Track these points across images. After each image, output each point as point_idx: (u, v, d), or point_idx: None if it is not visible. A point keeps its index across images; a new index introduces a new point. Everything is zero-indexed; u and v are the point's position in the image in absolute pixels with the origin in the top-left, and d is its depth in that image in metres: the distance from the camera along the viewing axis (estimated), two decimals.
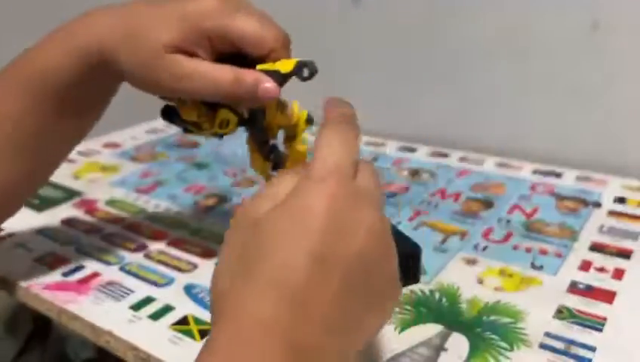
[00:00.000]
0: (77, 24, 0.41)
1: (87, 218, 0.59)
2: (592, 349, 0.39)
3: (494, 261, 0.50)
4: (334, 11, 0.82)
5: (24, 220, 0.58)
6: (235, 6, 0.39)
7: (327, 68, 0.44)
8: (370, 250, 0.29)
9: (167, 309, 0.44)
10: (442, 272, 0.48)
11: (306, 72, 0.38)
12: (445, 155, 0.74)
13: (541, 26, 0.70)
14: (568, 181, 0.66)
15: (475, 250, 0.51)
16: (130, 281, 0.48)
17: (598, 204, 0.60)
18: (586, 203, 0.60)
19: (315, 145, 0.31)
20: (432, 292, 0.45)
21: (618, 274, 0.47)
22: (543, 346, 0.39)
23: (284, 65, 0.38)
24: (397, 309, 0.43)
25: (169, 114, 0.43)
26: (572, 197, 0.61)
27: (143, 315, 0.44)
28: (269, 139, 0.44)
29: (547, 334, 0.40)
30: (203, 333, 0.42)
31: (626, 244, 0.52)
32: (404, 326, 0.42)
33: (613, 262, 0.49)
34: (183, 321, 0.43)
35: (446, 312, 0.43)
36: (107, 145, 0.81)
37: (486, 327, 0.41)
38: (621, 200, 0.61)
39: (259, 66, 0.39)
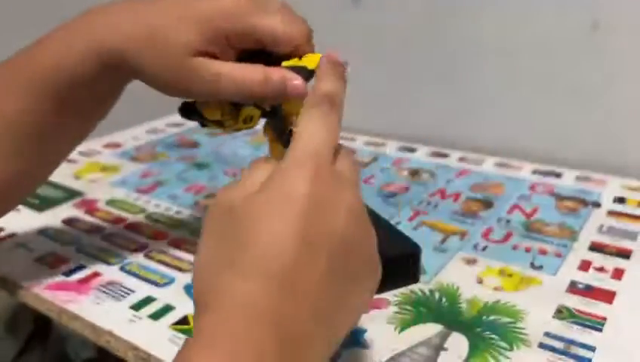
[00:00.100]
0: (83, 23, 0.40)
1: (88, 218, 0.59)
2: (592, 349, 0.39)
3: (494, 261, 0.50)
4: (334, 11, 0.82)
5: (25, 220, 0.58)
6: (255, 2, 0.38)
7: None
8: (352, 231, 0.29)
9: (167, 309, 0.45)
10: (442, 272, 0.48)
11: None
12: (445, 155, 0.74)
13: (541, 26, 0.70)
14: (568, 181, 0.66)
15: (474, 250, 0.51)
16: (130, 281, 0.48)
17: (597, 204, 0.60)
18: (585, 203, 0.60)
19: (296, 128, 0.31)
20: (431, 292, 0.45)
21: (618, 274, 0.47)
22: (542, 346, 0.39)
23: (311, 61, 0.38)
24: (396, 310, 0.43)
25: (188, 111, 0.42)
26: (572, 197, 0.62)
27: (144, 315, 0.44)
28: (288, 127, 0.43)
29: (547, 334, 0.40)
30: None
31: (625, 244, 0.52)
32: (404, 325, 0.42)
33: (612, 262, 0.49)
34: (184, 321, 0.43)
35: (446, 312, 0.43)
36: (108, 145, 0.81)
37: (486, 327, 0.41)
38: (621, 200, 0.61)
39: (284, 63, 0.38)
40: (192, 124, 0.82)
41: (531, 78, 0.73)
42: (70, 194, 0.65)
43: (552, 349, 0.39)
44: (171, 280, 0.48)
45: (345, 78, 0.35)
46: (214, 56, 0.38)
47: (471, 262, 0.50)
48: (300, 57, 0.38)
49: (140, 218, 0.59)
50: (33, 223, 0.58)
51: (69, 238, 0.55)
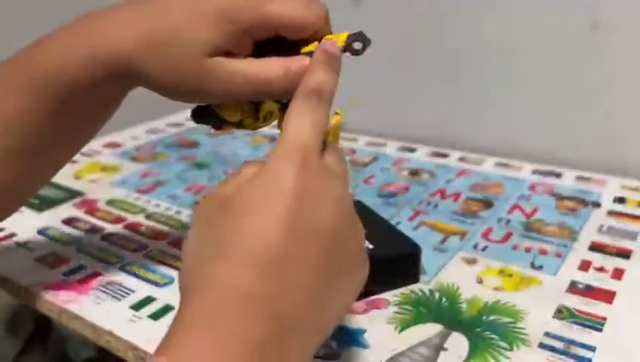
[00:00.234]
0: (85, 26, 0.38)
1: (88, 218, 0.59)
2: (592, 349, 0.39)
3: (494, 261, 0.50)
4: (334, 11, 0.82)
5: (25, 220, 0.58)
6: None
7: None
8: (340, 220, 0.29)
9: (167, 309, 0.44)
10: (442, 272, 0.48)
11: (357, 45, 0.35)
12: (445, 155, 0.74)
13: (541, 26, 0.70)
14: (568, 181, 0.66)
15: (474, 250, 0.51)
16: (130, 281, 0.48)
17: (597, 204, 0.60)
18: (585, 203, 0.60)
19: (284, 121, 0.31)
20: (431, 292, 0.45)
21: (618, 273, 0.47)
22: (542, 346, 0.39)
23: None
24: (396, 310, 0.43)
25: (202, 115, 0.39)
26: (572, 197, 0.62)
27: (144, 315, 0.44)
28: None
29: (547, 334, 0.40)
30: None
31: (625, 244, 0.52)
32: (404, 325, 0.42)
33: (612, 262, 0.49)
34: None
35: (446, 312, 0.43)
36: (108, 145, 0.81)
37: (486, 327, 0.41)
38: (621, 200, 0.61)
39: (304, 50, 0.35)
40: (192, 124, 0.82)
41: (531, 78, 0.73)
42: (70, 194, 0.65)
43: (552, 349, 0.39)
44: (171, 280, 0.48)
45: (338, 71, 0.34)
46: (231, 54, 0.35)
47: (471, 262, 0.50)
48: (320, 40, 0.35)
49: (139, 218, 0.59)
50: (33, 223, 0.58)
51: (69, 238, 0.55)
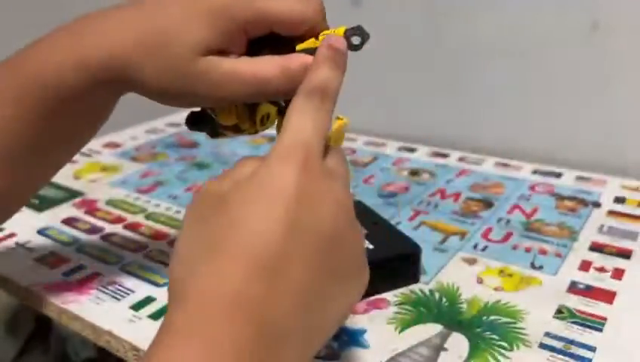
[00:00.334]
0: (79, 30, 0.36)
1: (88, 218, 0.59)
2: (592, 349, 0.39)
3: (494, 261, 0.50)
4: (334, 12, 0.82)
5: (24, 220, 0.58)
6: None
7: None
8: (340, 223, 0.28)
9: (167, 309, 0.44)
10: (442, 272, 0.48)
11: (356, 40, 0.34)
12: (445, 155, 0.74)
13: (541, 26, 0.70)
14: (568, 181, 0.66)
15: (474, 250, 0.51)
16: (130, 281, 0.48)
17: (597, 204, 0.60)
18: (585, 203, 0.60)
19: (285, 119, 0.30)
20: (431, 292, 0.45)
21: (618, 274, 0.47)
22: (542, 346, 0.39)
23: None
24: (396, 310, 0.43)
25: (197, 121, 0.38)
26: (572, 197, 0.62)
27: (143, 315, 0.44)
28: None
29: (547, 334, 0.40)
30: None
31: (625, 244, 0.52)
32: (404, 326, 0.42)
33: (612, 262, 0.49)
34: None
35: (446, 312, 0.43)
36: (107, 145, 0.81)
37: (486, 327, 0.41)
38: (621, 200, 0.61)
39: (299, 47, 0.34)
40: None
41: (531, 78, 0.73)
42: (70, 194, 0.65)
43: (553, 349, 0.39)
44: None
45: (343, 68, 0.33)
46: (225, 53, 0.34)
47: (471, 262, 0.50)
48: (317, 36, 0.34)
49: (139, 218, 0.59)
50: (33, 223, 0.58)
51: (69, 238, 0.55)
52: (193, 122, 0.39)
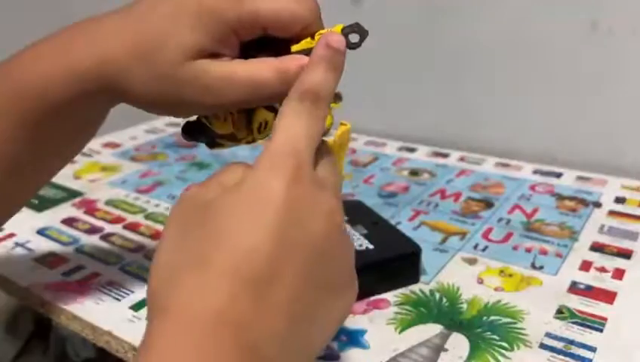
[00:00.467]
0: (69, 38, 0.34)
1: (88, 218, 0.59)
2: (593, 349, 0.39)
3: (494, 261, 0.50)
4: (333, 11, 0.82)
5: (24, 220, 0.58)
6: None
7: None
8: (330, 236, 0.27)
9: None
10: (442, 272, 0.48)
11: (354, 38, 0.32)
12: (445, 155, 0.74)
13: (541, 26, 0.70)
14: (568, 181, 0.66)
15: (475, 250, 0.51)
16: (130, 281, 0.48)
17: (598, 204, 0.60)
18: (586, 203, 0.60)
19: (275, 124, 0.28)
20: (432, 292, 0.45)
21: (618, 274, 0.47)
22: (543, 346, 0.39)
23: None
24: (397, 310, 0.43)
25: (193, 131, 0.37)
26: (572, 197, 0.61)
27: (143, 315, 0.44)
28: None
29: (547, 334, 0.40)
30: None
31: (626, 244, 0.52)
32: (405, 326, 0.42)
33: (613, 262, 0.49)
34: None
35: (446, 312, 0.43)
36: (107, 145, 0.81)
37: (486, 327, 0.41)
38: (621, 200, 0.61)
39: (295, 48, 0.33)
40: None
41: (531, 78, 0.73)
42: (70, 194, 0.65)
43: (553, 349, 0.39)
44: None
45: (340, 70, 0.31)
46: (216, 56, 0.32)
47: (471, 262, 0.50)
48: (313, 36, 0.33)
49: (139, 218, 0.59)
50: (33, 223, 0.58)
51: (69, 238, 0.55)
52: (189, 132, 0.37)
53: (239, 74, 0.32)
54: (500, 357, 0.38)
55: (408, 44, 0.80)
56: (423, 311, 0.43)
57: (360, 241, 0.46)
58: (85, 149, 0.77)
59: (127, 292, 0.47)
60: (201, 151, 0.78)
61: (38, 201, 0.62)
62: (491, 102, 0.76)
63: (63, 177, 0.68)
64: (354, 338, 0.40)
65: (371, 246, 0.45)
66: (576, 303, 0.44)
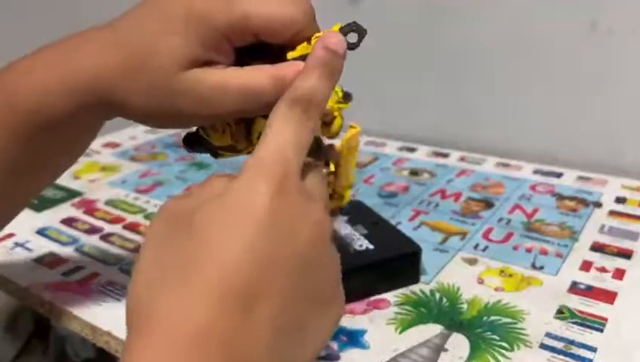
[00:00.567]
0: (64, 51, 0.33)
1: (87, 218, 0.59)
2: (593, 350, 0.39)
3: (495, 261, 0.50)
4: (331, 11, 0.82)
5: (24, 220, 0.57)
6: None
7: None
8: (317, 249, 0.26)
9: None
10: (442, 272, 0.48)
11: (352, 38, 0.31)
12: (445, 155, 0.74)
13: (541, 26, 0.70)
14: (568, 181, 0.65)
15: (475, 250, 0.51)
16: (129, 281, 0.48)
17: (598, 204, 0.60)
18: (586, 203, 0.60)
19: (264, 130, 0.27)
20: (432, 292, 0.45)
21: (619, 274, 0.47)
22: (543, 346, 0.39)
23: None
24: (397, 310, 0.43)
25: (192, 142, 0.36)
26: (572, 197, 0.61)
27: None
28: None
29: (548, 334, 0.40)
30: None
31: (626, 244, 0.52)
32: (405, 326, 0.42)
33: (613, 263, 0.49)
34: None
35: (446, 312, 0.43)
36: (107, 145, 0.81)
37: (486, 328, 0.41)
38: (621, 200, 0.60)
39: (290, 55, 0.31)
40: None
41: (531, 78, 0.73)
42: (69, 194, 0.65)
43: (553, 350, 0.39)
44: None
45: (338, 73, 0.30)
46: (210, 64, 0.31)
47: (471, 262, 0.50)
48: (309, 41, 0.31)
49: (139, 218, 0.59)
50: (32, 223, 0.58)
51: (68, 238, 0.55)
52: (189, 144, 0.36)
53: (233, 82, 0.31)
54: (500, 358, 0.38)
55: (408, 44, 0.80)
56: (423, 311, 0.43)
57: (360, 241, 0.46)
58: None
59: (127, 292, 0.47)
60: None
61: (38, 201, 0.62)
62: (491, 102, 0.76)
63: (63, 177, 0.68)
64: (354, 339, 0.40)
65: (371, 246, 0.45)
66: (577, 303, 0.44)
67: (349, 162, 0.36)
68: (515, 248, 0.52)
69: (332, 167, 0.36)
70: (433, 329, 0.41)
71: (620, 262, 0.49)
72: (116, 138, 0.83)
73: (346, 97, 0.37)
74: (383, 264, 0.45)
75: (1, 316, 0.82)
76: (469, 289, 0.45)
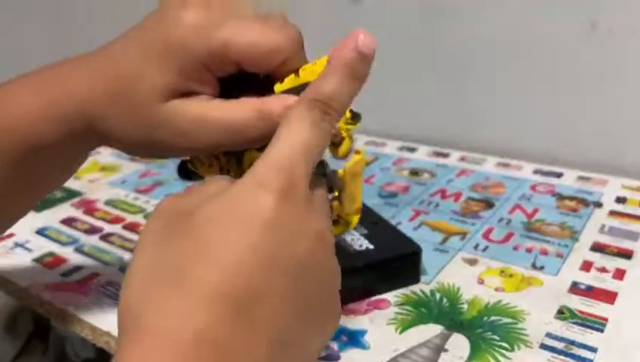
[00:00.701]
0: (51, 78, 0.33)
1: (87, 218, 0.59)
2: (594, 350, 0.39)
3: (495, 261, 0.49)
4: (333, 11, 0.82)
5: (23, 220, 0.57)
6: (223, 13, 0.29)
7: None
8: (319, 259, 0.25)
9: None
10: (442, 272, 0.48)
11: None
12: (445, 155, 0.74)
13: (541, 26, 0.70)
14: (569, 181, 0.65)
15: (475, 250, 0.51)
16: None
17: (598, 204, 0.60)
18: (586, 203, 0.60)
19: (277, 131, 0.26)
20: (432, 292, 0.45)
21: (619, 274, 0.47)
22: (543, 347, 0.39)
23: (312, 73, 0.29)
24: (397, 310, 0.43)
25: (185, 171, 0.35)
26: (573, 197, 0.61)
27: None
28: None
29: (548, 334, 0.40)
30: None
31: (626, 244, 0.52)
32: (405, 326, 0.41)
33: (614, 263, 0.49)
34: None
35: (446, 313, 0.43)
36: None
37: (487, 328, 0.41)
38: (622, 200, 0.60)
39: (278, 88, 0.30)
40: None
41: (531, 78, 0.73)
42: (69, 194, 0.65)
43: (554, 350, 0.39)
44: None
45: (364, 78, 0.28)
46: (192, 95, 0.30)
47: (472, 262, 0.49)
48: (297, 73, 0.30)
49: (138, 218, 0.59)
50: (32, 223, 0.58)
51: (68, 238, 0.55)
52: (182, 172, 0.35)
53: (214, 115, 0.30)
54: (500, 358, 0.38)
55: (408, 44, 0.80)
56: (423, 311, 0.43)
57: (360, 241, 0.46)
58: None
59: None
60: None
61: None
62: (492, 101, 0.76)
63: None
64: (354, 339, 0.40)
65: (371, 247, 0.45)
66: (577, 303, 0.44)
67: (353, 188, 0.35)
68: (515, 248, 0.52)
69: (336, 193, 0.36)
70: (433, 330, 0.41)
71: (621, 262, 0.49)
72: None
73: (355, 118, 0.35)
74: (383, 264, 0.45)
75: (0, 316, 0.82)
76: (469, 290, 0.45)
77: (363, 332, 0.41)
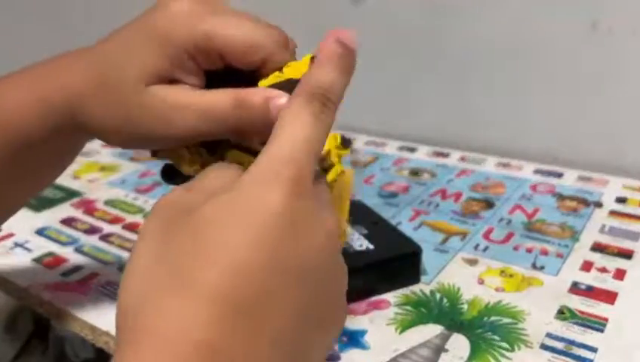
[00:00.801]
0: (42, 72, 0.34)
1: (86, 218, 0.59)
2: (594, 350, 0.39)
3: (495, 261, 0.49)
4: (334, 11, 0.82)
5: (23, 220, 0.58)
6: (213, 6, 0.31)
7: None
8: (327, 258, 0.24)
9: None
10: (443, 273, 0.48)
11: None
12: (445, 155, 0.74)
13: (541, 26, 0.70)
14: (569, 181, 0.65)
15: (475, 251, 0.51)
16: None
17: (599, 204, 0.60)
18: (587, 203, 0.60)
19: (276, 125, 0.25)
20: (432, 292, 0.45)
21: (619, 274, 0.47)
22: (544, 347, 0.39)
23: (296, 70, 0.29)
24: (397, 311, 0.43)
25: (169, 173, 0.35)
26: (573, 197, 0.61)
27: None
28: None
29: (548, 335, 0.40)
30: None
31: (627, 245, 0.52)
32: (405, 326, 0.41)
33: (614, 263, 0.49)
34: None
35: (447, 313, 0.43)
36: (106, 145, 0.81)
37: (487, 328, 0.41)
38: (622, 200, 0.60)
39: (262, 82, 0.30)
40: None
41: (532, 78, 0.73)
42: (68, 193, 0.65)
43: (554, 350, 0.39)
44: None
45: (351, 70, 0.27)
46: (176, 82, 0.31)
47: (472, 262, 0.49)
48: (281, 69, 0.30)
49: (138, 218, 0.59)
50: (31, 223, 0.58)
51: (68, 238, 0.55)
52: (165, 174, 0.35)
53: (192, 100, 0.30)
54: (500, 358, 0.38)
55: (408, 44, 0.80)
56: (423, 311, 0.43)
57: (360, 241, 0.46)
58: (84, 149, 0.77)
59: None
60: None
61: (37, 201, 0.62)
62: (492, 101, 0.76)
63: (62, 177, 0.68)
64: (354, 339, 0.40)
65: (371, 247, 0.45)
66: (577, 303, 0.44)
67: (337, 209, 0.34)
68: (515, 248, 0.51)
69: None
70: (433, 330, 0.41)
71: (621, 263, 0.49)
72: None
73: (345, 143, 0.35)
74: (383, 264, 0.45)
75: (0, 316, 0.82)
76: (469, 290, 0.45)
77: (363, 333, 0.41)
